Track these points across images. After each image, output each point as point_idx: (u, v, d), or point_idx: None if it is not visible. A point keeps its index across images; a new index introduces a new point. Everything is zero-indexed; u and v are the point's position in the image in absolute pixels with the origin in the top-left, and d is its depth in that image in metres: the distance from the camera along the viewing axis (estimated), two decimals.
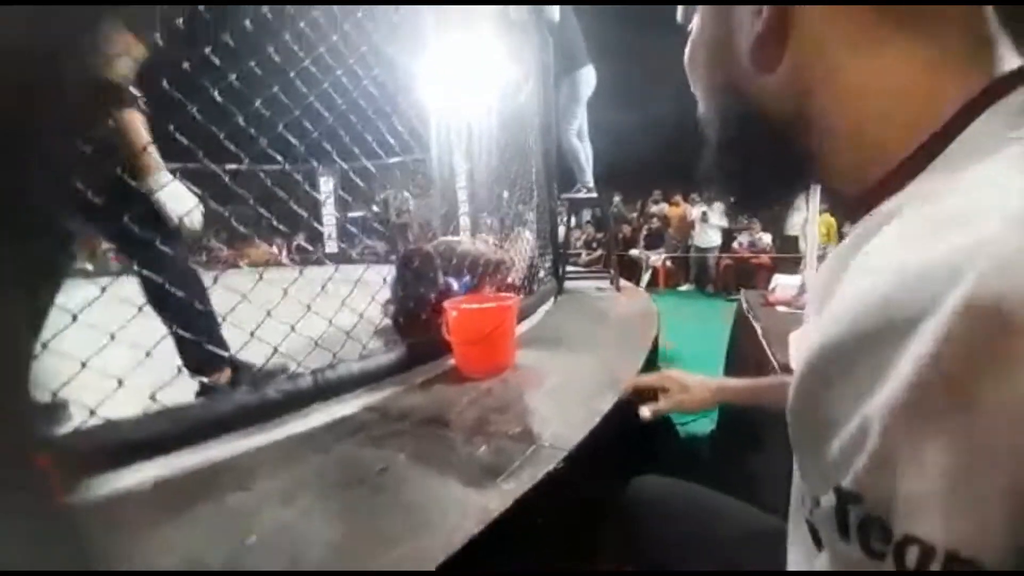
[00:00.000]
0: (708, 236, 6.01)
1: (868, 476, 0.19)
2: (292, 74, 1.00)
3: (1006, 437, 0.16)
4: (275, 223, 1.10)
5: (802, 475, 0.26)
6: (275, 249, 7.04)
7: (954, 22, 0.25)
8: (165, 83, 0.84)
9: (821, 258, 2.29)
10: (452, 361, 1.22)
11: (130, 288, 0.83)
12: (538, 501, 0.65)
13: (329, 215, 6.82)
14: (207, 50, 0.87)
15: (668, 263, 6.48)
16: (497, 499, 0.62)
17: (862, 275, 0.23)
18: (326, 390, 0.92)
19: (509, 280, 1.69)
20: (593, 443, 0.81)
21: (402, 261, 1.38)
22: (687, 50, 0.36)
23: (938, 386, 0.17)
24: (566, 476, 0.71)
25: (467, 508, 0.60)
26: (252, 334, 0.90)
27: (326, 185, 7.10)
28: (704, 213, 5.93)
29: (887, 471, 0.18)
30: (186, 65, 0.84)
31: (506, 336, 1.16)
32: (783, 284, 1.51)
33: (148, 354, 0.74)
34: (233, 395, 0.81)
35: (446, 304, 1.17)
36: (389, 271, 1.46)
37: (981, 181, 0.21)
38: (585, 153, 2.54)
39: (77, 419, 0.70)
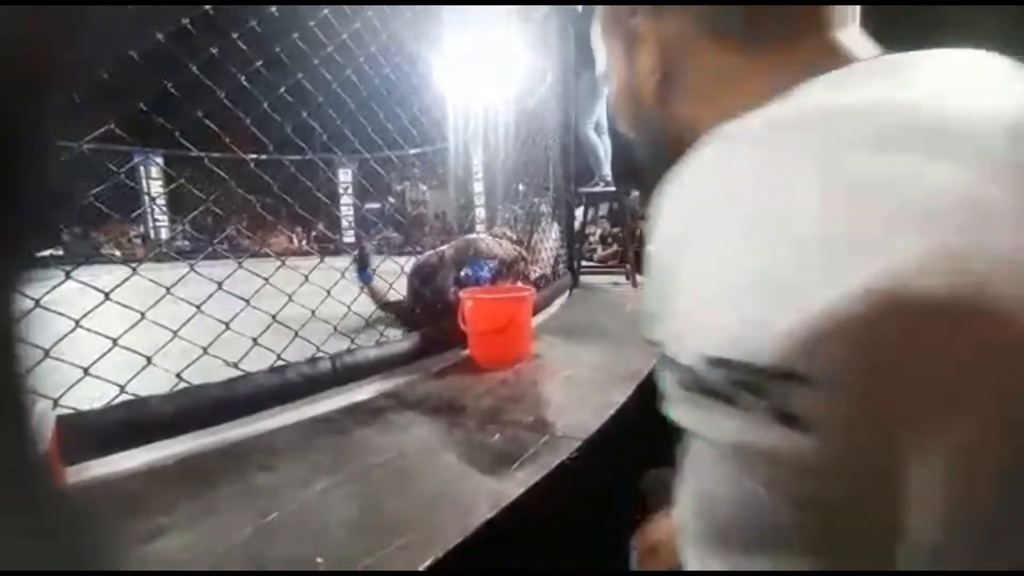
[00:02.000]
0: None
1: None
2: (316, 61, 1.01)
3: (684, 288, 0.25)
4: (298, 211, 1.11)
5: None
6: (294, 238, 7.17)
7: (796, 53, 0.30)
8: (195, 70, 0.86)
9: None
10: (467, 351, 1.23)
11: (157, 273, 0.85)
12: (551, 489, 0.65)
13: (347, 205, 6.90)
14: (235, 36, 0.89)
15: None
16: (511, 486, 0.62)
17: None
18: (344, 375, 0.94)
19: (528, 274, 1.69)
20: (607, 433, 0.80)
21: (416, 267, 1.39)
22: (609, 98, 0.44)
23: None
24: (580, 465, 0.71)
25: (481, 494, 0.61)
26: (274, 318, 0.92)
27: (344, 175, 7.18)
28: None
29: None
30: (214, 51, 0.86)
31: (522, 327, 1.16)
32: None
33: (175, 334, 0.77)
34: (255, 377, 0.83)
35: (462, 294, 1.17)
36: (407, 261, 1.47)
37: None
38: (604, 147, 2.50)
39: (108, 396, 0.72)
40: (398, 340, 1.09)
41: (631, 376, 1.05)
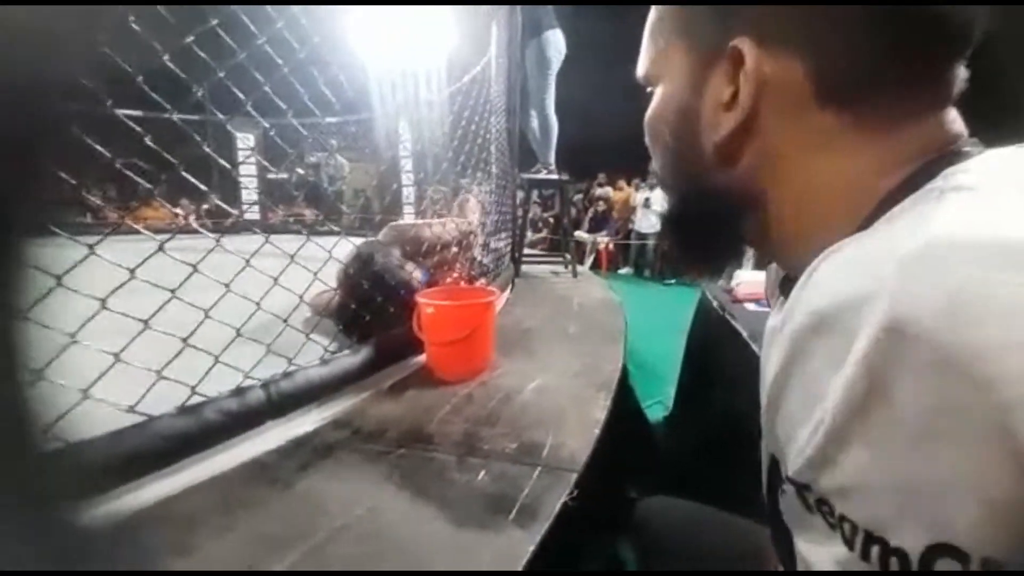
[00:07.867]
0: (649, 221, 6.22)
1: (815, 469, 0.24)
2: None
3: (917, 430, 0.19)
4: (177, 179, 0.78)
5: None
6: (180, 211, 6.15)
7: (909, 129, 0.28)
8: None
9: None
10: (421, 359, 1.10)
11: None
12: (555, 538, 0.57)
13: (248, 176, 6.08)
14: None
15: (611, 246, 6.67)
16: (515, 543, 0.54)
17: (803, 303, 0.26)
18: (282, 405, 0.77)
19: (475, 263, 1.57)
20: (596, 459, 0.75)
21: (360, 257, 1.20)
22: (648, 114, 0.37)
23: (864, 393, 0.21)
24: (579, 502, 0.64)
25: (483, 560, 0.51)
26: (185, 341, 0.71)
27: (245, 142, 6.30)
28: (647, 199, 6.12)
29: (827, 464, 0.23)
30: None
31: (487, 335, 1.06)
32: (747, 280, 1.54)
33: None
34: (158, 423, 0.64)
35: (419, 298, 1.03)
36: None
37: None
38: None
39: None
40: (346, 355, 0.93)
41: (604, 386, 1.01)
